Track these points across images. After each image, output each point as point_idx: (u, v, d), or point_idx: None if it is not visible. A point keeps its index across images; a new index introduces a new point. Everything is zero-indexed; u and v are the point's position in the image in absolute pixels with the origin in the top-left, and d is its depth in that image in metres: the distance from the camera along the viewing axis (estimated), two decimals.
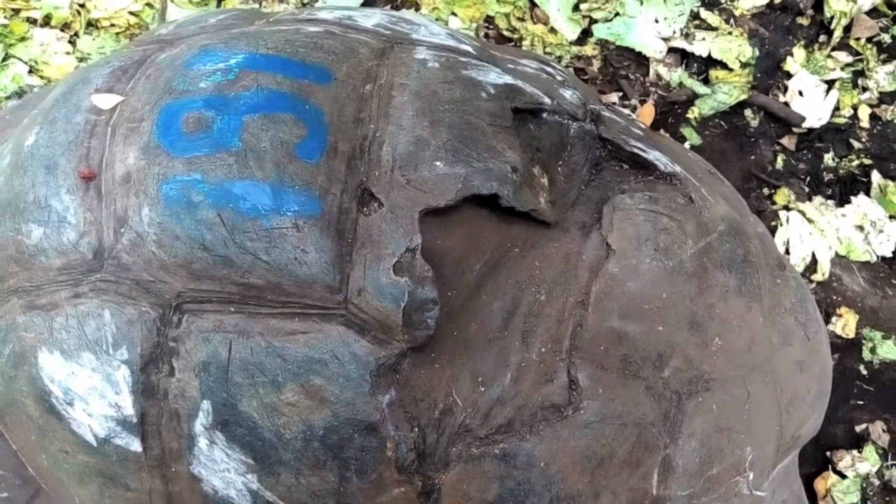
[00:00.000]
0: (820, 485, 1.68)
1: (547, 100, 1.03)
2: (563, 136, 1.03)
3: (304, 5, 2.02)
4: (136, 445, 0.86)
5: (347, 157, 0.89)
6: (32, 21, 2.08)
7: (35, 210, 0.88)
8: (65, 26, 2.12)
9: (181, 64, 0.94)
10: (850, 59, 2.16)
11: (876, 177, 2.01)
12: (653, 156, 1.05)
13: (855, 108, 2.11)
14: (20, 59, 1.99)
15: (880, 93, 2.13)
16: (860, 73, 2.16)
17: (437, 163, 0.89)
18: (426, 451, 0.88)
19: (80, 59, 2.07)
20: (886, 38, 2.18)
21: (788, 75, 2.16)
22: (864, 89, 2.14)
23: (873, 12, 2.21)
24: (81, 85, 0.97)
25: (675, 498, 0.99)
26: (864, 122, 2.11)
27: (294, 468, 0.85)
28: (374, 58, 0.99)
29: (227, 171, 0.85)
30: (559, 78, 1.15)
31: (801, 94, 2.12)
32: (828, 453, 1.71)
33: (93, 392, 0.85)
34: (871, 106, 2.12)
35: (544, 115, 1.02)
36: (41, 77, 2.00)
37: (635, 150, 1.04)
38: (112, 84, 0.96)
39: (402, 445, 0.86)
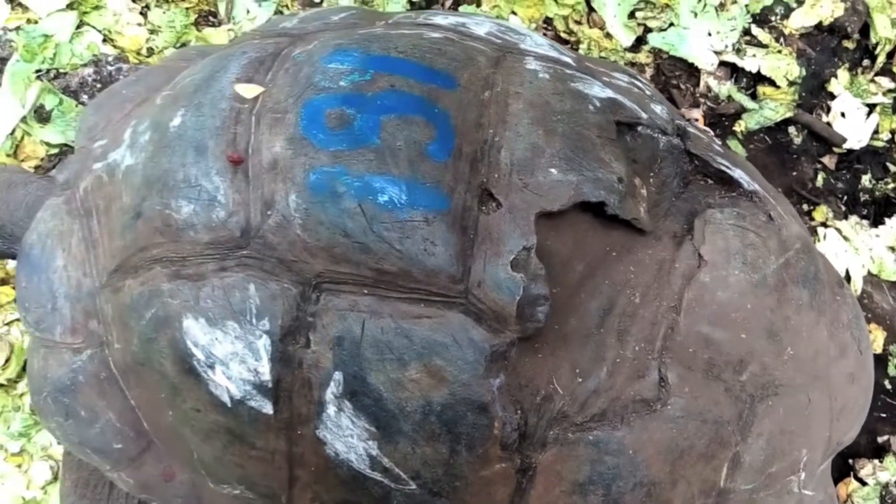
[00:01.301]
0: (841, 490, 1.78)
1: (643, 114, 1.11)
2: (655, 149, 1.11)
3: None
4: (268, 408, 0.95)
5: (470, 159, 0.97)
6: None
7: (185, 188, 0.96)
8: None
9: (318, 60, 1.02)
10: (892, 84, 2.24)
11: None
12: (737, 174, 1.13)
13: (893, 132, 2.20)
14: (94, 28, 2.05)
15: None
16: None
17: (552, 170, 0.97)
18: (527, 433, 0.97)
19: (151, 31, 2.13)
20: None
21: (832, 96, 2.24)
22: None
23: None
24: (222, 73, 1.04)
25: (739, 491, 1.09)
26: None
27: (411, 439, 0.93)
28: (490, 66, 1.07)
29: (367, 166, 0.93)
30: (648, 92, 1.23)
31: (843, 115, 2.20)
32: (850, 461, 1.81)
33: (234, 358, 0.93)
34: None
35: (639, 128, 1.10)
36: (115, 47, 2.07)
37: (722, 167, 1.12)
38: (251, 74, 1.04)
39: (507, 426, 0.95)
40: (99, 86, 1.98)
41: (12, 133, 1.89)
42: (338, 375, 0.92)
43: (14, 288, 1.76)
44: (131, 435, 1.12)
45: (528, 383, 0.97)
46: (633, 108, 1.11)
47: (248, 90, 1.00)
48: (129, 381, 1.09)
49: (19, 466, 1.62)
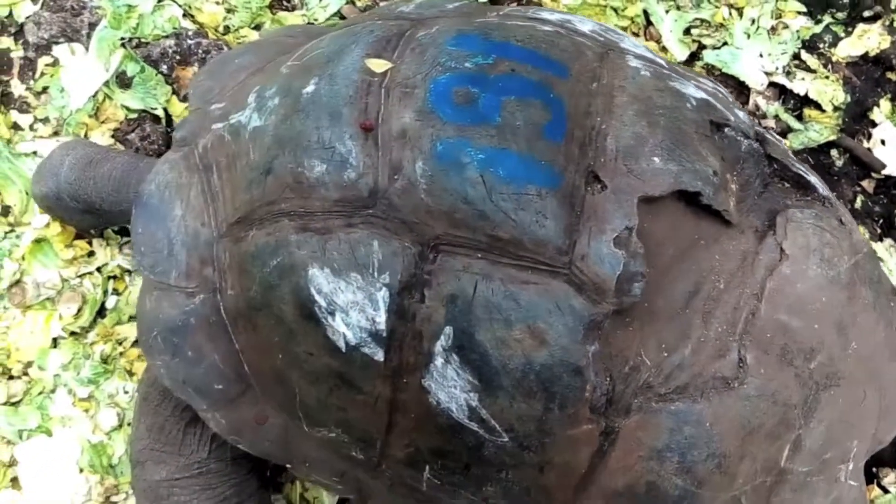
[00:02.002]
0: None
1: (731, 116, 1.20)
2: (738, 150, 1.20)
3: None
4: (379, 356, 1.03)
5: (580, 143, 1.05)
6: None
7: (319, 149, 1.04)
8: None
9: (442, 43, 1.10)
10: None
11: None
12: (813, 179, 1.22)
13: None
14: (175, 2, 2.13)
15: None
16: None
17: (654, 158, 1.06)
18: (613, 399, 1.05)
19: (228, 11, 2.21)
20: None
21: (874, 124, 2.33)
22: None
23: None
24: (352, 47, 1.12)
25: (796, 473, 1.17)
26: None
27: (510, 394, 1.01)
28: (596, 60, 1.15)
29: (489, 141, 1.01)
30: (730, 99, 1.31)
31: (883, 142, 2.29)
32: (874, 469, 1.89)
33: (354, 306, 1.01)
34: None
35: (726, 129, 1.19)
36: (194, 22, 2.15)
37: (800, 172, 1.21)
38: (379, 51, 1.12)
39: (597, 390, 1.03)
40: (178, 57, 2.06)
41: (94, 95, 1.97)
42: (448, 330, 1.00)
43: (89, 243, 1.84)
44: (232, 378, 1.19)
45: (618, 353, 1.05)
46: (722, 110, 1.19)
47: (378, 65, 1.09)
48: (237, 327, 1.16)
49: (86, 411, 1.69)
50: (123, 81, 2.00)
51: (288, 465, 1.31)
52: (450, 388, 1.02)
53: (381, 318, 1.01)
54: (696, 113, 1.14)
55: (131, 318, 1.78)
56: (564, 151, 1.04)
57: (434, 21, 1.18)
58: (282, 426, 1.21)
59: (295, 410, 1.15)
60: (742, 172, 1.19)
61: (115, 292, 1.81)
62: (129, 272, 1.83)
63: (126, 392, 1.71)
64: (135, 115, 1.98)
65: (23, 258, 1.78)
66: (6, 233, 1.82)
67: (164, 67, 2.05)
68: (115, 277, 1.83)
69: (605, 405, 1.04)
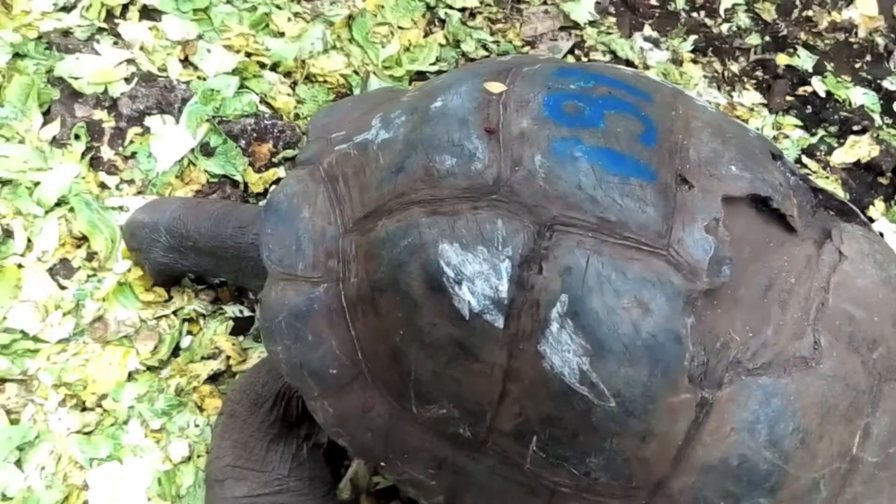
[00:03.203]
0: None
1: (780, 152, 1.40)
2: (788, 181, 1.39)
3: None
4: (500, 322, 1.15)
5: (668, 151, 1.24)
6: (262, 65, 2.50)
7: (449, 147, 1.22)
8: (286, 74, 2.55)
9: (548, 73, 1.32)
10: None
11: None
12: (855, 208, 1.41)
13: None
14: (253, 91, 2.39)
15: None
16: None
17: (732, 167, 1.25)
18: (707, 371, 1.16)
19: (298, 102, 2.47)
20: None
21: (871, 220, 2.58)
22: None
23: None
24: (469, 76, 1.34)
25: (866, 463, 1.26)
26: None
27: (618, 359, 1.13)
28: (671, 96, 1.37)
29: (597, 141, 1.20)
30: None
31: (881, 235, 2.53)
32: None
33: (479, 275, 1.15)
34: None
35: (779, 162, 1.39)
36: (270, 107, 2.40)
37: (843, 201, 1.40)
38: (493, 79, 1.33)
39: (695, 360, 1.15)
40: (255, 134, 2.29)
41: (180, 160, 2.16)
42: (564, 298, 1.13)
43: (167, 291, 1.95)
44: (346, 363, 1.29)
45: (710, 331, 1.18)
46: (774, 146, 1.40)
47: (495, 87, 1.29)
48: (356, 314, 1.28)
49: (157, 442, 1.73)
50: (206, 151, 2.21)
51: (381, 465, 1.36)
52: (563, 352, 1.13)
53: (504, 287, 1.14)
54: (758, 140, 1.35)
55: (203, 358, 1.87)
56: (657, 155, 1.22)
57: (534, 63, 1.41)
58: (387, 414, 1.29)
59: (407, 390, 1.24)
60: (795, 197, 1.38)
61: (190, 333, 1.90)
62: (204, 316, 1.94)
63: (196, 426, 1.76)
64: (216, 180, 2.17)
65: (104, 299, 1.88)
66: (89, 276, 1.93)
67: (242, 142, 2.27)
68: (189, 320, 1.93)
69: (702, 377, 1.16)
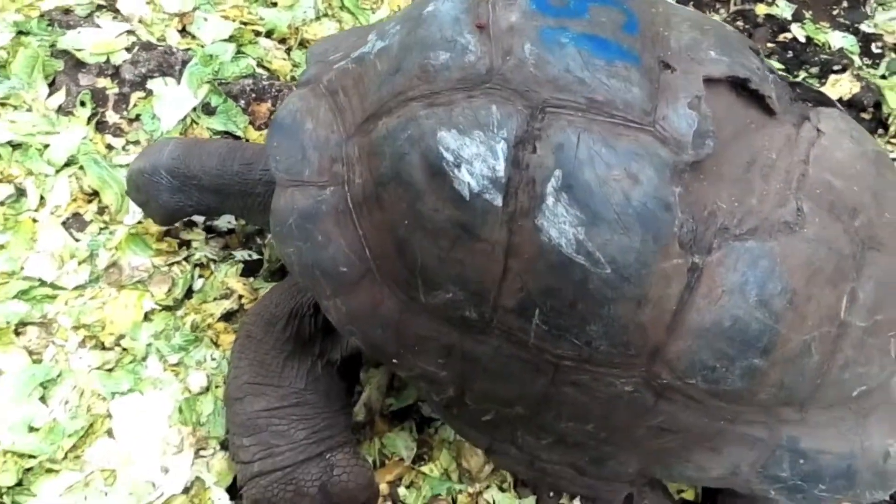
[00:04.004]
0: None
1: (758, 50, 1.48)
2: (763, 68, 1.46)
3: None
4: (498, 201, 1.21)
5: (651, 39, 1.31)
6: (258, 33, 2.58)
7: (443, 43, 1.29)
8: (281, 41, 2.62)
9: None
10: None
11: None
12: (830, 97, 1.48)
13: None
14: (250, 56, 2.47)
15: None
16: None
17: (711, 52, 1.32)
18: (696, 238, 1.23)
19: (294, 66, 2.55)
20: None
21: None
22: None
23: None
24: None
25: (854, 327, 1.32)
26: None
27: (611, 227, 1.19)
28: (648, 3, 1.44)
29: (582, 28, 1.27)
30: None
31: None
32: None
33: (477, 157, 1.21)
34: None
35: (756, 57, 1.46)
36: (266, 69, 2.47)
37: (821, 92, 1.47)
38: None
39: (684, 226, 1.21)
40: (254, 95, 2.36)
41: (183, 119, 2.23)
42: (557, 172, 1.20)
43: (177, 240, 2.02)
44: (355, 261, 1.36)
45: (697, 201, 1.24)
46: (752, 43, 1.47)
47: None
48: (361, 213, 1.35)
49: (176, 375, 1.79)
50: (208, 110, 2.28)
51: (394, 361, 1.42)
52: (560, 224, 1.20)
53: (501, 167, 1.21)
54: (736, 35, 1.42)
55: (216, 299, 1.93)
56: (640, 42, 1.29)
57: None
58: (396, 308, 1.36)
59: (413, 279, 1.31)
60: (774, 87, 1.45)
61: (202, 277, 1.97)
62: (214, 261, 2.00)
63: (213, 359, 1.82)
64: (219, 136, 2.23)
65: (116, 248, 1.95)
66: (101, 228, 2.00)
67: (242, 102, 2.34)
68: (201, 265, 1.99)
69: (691, 242, 1.22)
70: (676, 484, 1.82)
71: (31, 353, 1.76)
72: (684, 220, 1.22)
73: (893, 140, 2.67)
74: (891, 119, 2.70)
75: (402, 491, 1.73)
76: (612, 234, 1.20)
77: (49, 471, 1.57)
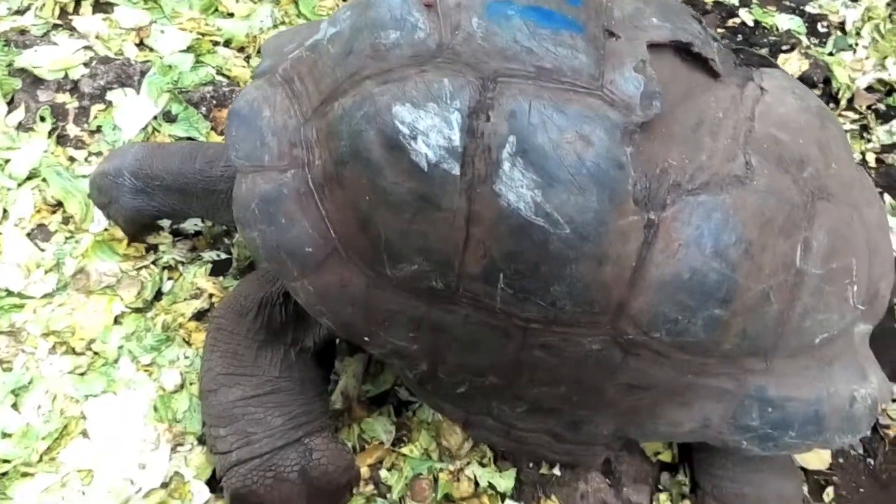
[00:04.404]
0: None
1: (700, 18, 1.53)
2: (705, 32, 1.51)
3: None
4: (456, 169, 1.24)
5: (594, 10, 1.36)
6: (216, 42, 2.60)
7: (392, 23, 1.32)
8: (240, 49, 2.64)
9: None
10: (855, 116, 2.75)
11: (887, 198, 2.51)
12: (773, 60, 1.53)
13: (863, 153, 2.67)
14: (209, 64, 2.48)
15: (882, 145, 2.70)
16: (865, 128, 2.74)
17: (653, 19, 1.37)
18: (650, 195, 1.27)
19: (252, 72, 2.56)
20: (882, 106, 2.79)
21: None
22: (869, 140, 2.71)
23: (869, 88, 2.85)
24: None
25: (811, 275, 1.36)
26: (872, 164, 2.65)
27: (567, 187, 1.22)
28: None
29: (527, 1, 1.31)
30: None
31: None
32: None
33: (432, 129, 1.24)
34: (875, 153, 2.68)
35: (701, 24, 1.51)
36: (226, 77, 2.49)
37: (764, 55, 1.52)
38: None
39: (638, 184, 1.25)
40: (215, 102, 2.38)
41: (145, 128, 2.24)
42: (512, 138, 1.23)
43: (145, 246, 2.02)
44: (319, 242, 1.37)
45: (649, 160, 1.28)
46: (694, 12, 1.53)
47: None
48: (323, 193, 1.37)
49: (150, 375, 1.78)
50: (169, 118, 2.29)
51: (365, 339, 1.44)
52: (517, 188, 1.23)
53: (456, 136, 1.24)
54: (679, 3, 1.47)
55: (186, 299, 1.93)
56: (584, 13, 1.34)
57: None
58: (363, 285, 1.38)
59: (378, 254, 1.33)
60: (718, 54, 1.50)
61: (170, 279, 1.97)
62: (182, 263, 2.00)
63: (186, 357, 1.82)
64: (183, 141, 2.24)
65: (83, 256, 1.95)
66: (66, 238, 2.00)
67: (203, 109, 2.35)
68: (169, 268, 1.99)
69: (646, 200, 1.26)
70: (652, 446, 1.85)
71: (0, 362, 1.74)
72: (637, 179, 1.26)
73: (845, 113, 2.75)
74: (840, 93, 2.78)
75: (383, 473, 1.74)
76: (568, 194, 1.23)
77: (24, 474, 1.56)
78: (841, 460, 1.98)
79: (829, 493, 1.90)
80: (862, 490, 1.92)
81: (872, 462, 1.97)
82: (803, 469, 1.93)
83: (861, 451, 2.00)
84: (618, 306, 1.29)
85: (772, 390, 1.44)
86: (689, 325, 1.30)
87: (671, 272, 1.27)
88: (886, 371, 1.61)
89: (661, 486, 1.83)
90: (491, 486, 1.75)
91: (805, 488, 1.90)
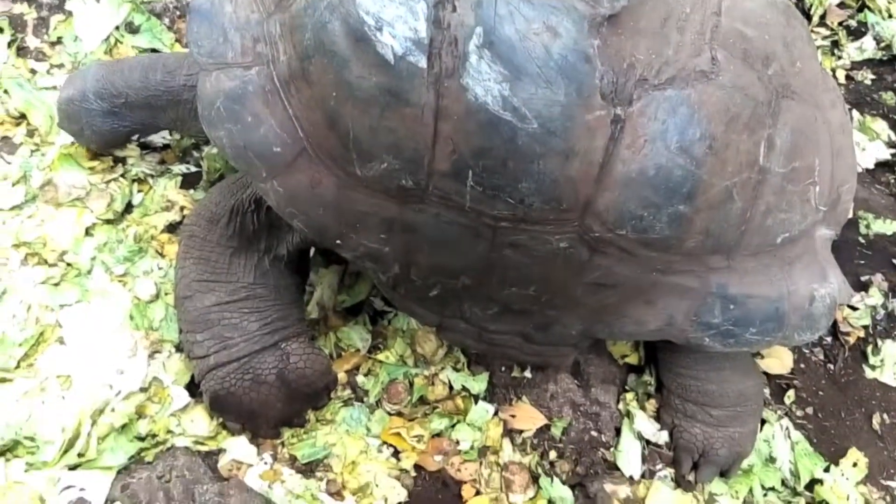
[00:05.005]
0: (837, 315, 2.06)
1: None
2: None
3: None
4: (423, 62, 1.23)
5: None
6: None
7: None
8: None
9: None
10: (827, 33, 2.74)
11: (856, 115, 2.53)
12: None
13: (833, 70, 2.67)
14: None
15: (852, 62, 2.70)
16: (836, 45, 2.74)
17: None
18: (617, 90, 1.27)
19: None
20: (853, 22, 2.78)
21: None
22: (839, 57, 2.71)
23: (841, 4, 2.84)
24: None
25: (774, 173, 1.39)
26: (842, 80, 2.66)
27: (534, 81, 1.22)
28: None
29: None
30: None
31: None
32: None
33: (398, 19, 1.22)
34: (846, 69, 2.69)
35: None
36: None
37: None
38: None
39: (605, 78, 1.25)
40: (178, 12, 2.31)
41: (107, 39, 2.18)
42: (479, 30, 1.22)
43: (110, 156, 1.99)
44: (288, 141, 1.37)
45: (616, 53, 1.28)
46: None
47: None
48: (289, 91, 1.35)
49: (124, 285, 1.79)
50: (131, 29, 2.22)
51: (337, 242, 1.45)
52: (485, 81, 1.22)
53: (422, 27, 1.23)
54: None
55: (157, 212, 1.92)
56: None
57: None
58: (334, 186, 1.38)
59: (348, 153, 1.33)
60: None
61: (140, 192, 1.95)
62: (152, 176, 1.98)
63: (160, 268, 1.82)
64: (145, 52, 2.19)
65: (50, 168, 1.92)
66: (32, 151, 1.96)
67: (166, 20, 2.28)
68: (138, 181, 1.97)
69: (612, 94, 1.26)
70: (619, 349, 1.90)
71: None
72: (605, 72, 1.25)
73: (816, 30, 2.74)
74: (813, 9, 2.77)
75: (360, 379, 1.78)
76: (535, 88, 1.23)
77: (3, 380, 1.58)
78: (802, 365, 2.05)
79: (791, 395, 1.98)
80: (821, 393, 2.01)
81: (832, 367, 2.05)
82: (766, 373, 2.00)
83: (822, 357, 2.08)
84: (585, 203, 1.31)
85: (734, 288, 1.48)
86: (654, 222, 1.32)
87: (637, 168, 1.28)
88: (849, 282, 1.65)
89: (627, 387, 1.90)
90: (464, 388, 1.80)
91: (767, 391, 1.97)
